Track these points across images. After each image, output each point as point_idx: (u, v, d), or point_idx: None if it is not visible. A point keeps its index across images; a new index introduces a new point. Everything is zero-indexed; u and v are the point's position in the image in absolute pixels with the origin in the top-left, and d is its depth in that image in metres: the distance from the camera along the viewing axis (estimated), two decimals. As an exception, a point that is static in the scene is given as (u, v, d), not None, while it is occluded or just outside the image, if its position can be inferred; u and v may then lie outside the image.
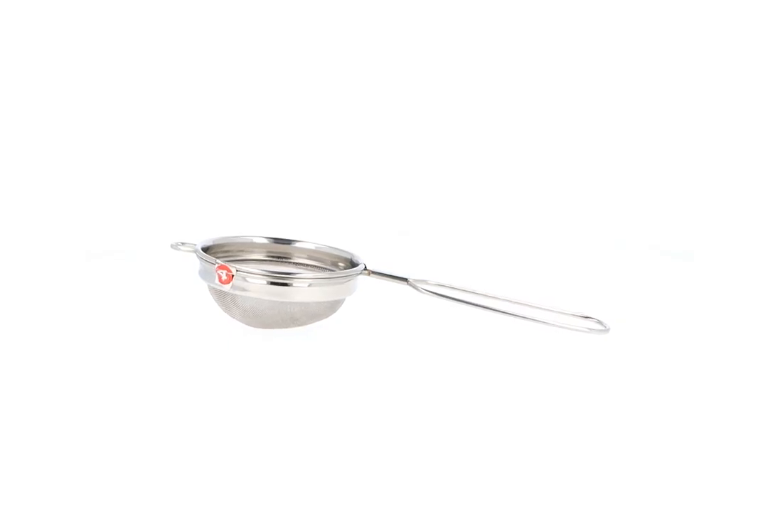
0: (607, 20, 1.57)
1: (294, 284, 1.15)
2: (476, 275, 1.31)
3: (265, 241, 1.27)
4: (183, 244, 1.21)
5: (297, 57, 1.57)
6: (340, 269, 1.23)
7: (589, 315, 1.17)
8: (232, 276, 1.14)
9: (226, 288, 1.14)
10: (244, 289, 1.14)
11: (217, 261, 1.15)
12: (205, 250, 1.19)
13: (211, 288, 1.18)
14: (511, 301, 1.18)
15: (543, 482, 0.94)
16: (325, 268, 1.25)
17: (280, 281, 1.14)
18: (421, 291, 1.18)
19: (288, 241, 1.27)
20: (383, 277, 1.19)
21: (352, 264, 1.21)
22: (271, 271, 1.17)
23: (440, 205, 1.53)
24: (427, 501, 0.92)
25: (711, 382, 1.12)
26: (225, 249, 1.24)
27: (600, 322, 1.16)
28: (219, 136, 1.56)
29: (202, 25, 1.57)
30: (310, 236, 1.30)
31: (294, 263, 1.26)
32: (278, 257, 1.27)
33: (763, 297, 1.32)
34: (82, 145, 1.53)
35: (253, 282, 1.14)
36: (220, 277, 1.14)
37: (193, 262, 1.19)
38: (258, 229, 1.31)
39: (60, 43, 1.55)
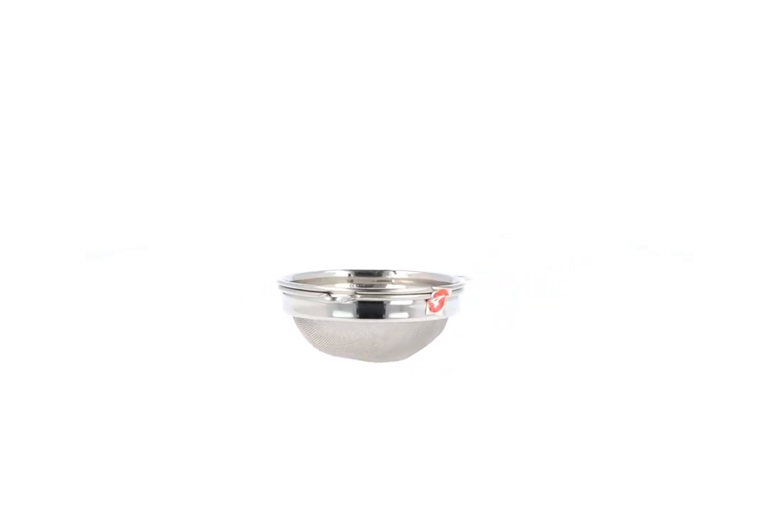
0: (607, 20, 1.57)
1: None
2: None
3: (348, 274, 1.23)
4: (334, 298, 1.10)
5: (317, 73, 1.57)
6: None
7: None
8: (445, 300, 1.09)
9: (440, 314, 1.09)
10: (454, 309, 1.11)
11: (433, 288, 1.09)
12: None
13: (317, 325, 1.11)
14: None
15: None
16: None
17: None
18: None
19: (378, 272, 1.23)
20: None
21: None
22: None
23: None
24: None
25: (711, 382, 1.12)
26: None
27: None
28: (219, 137, 1.56)
29: (201, 26, 1.57)
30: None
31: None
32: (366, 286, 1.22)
33: (764, 298, 1.32)
34: (82, 145, 1.53)
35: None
36: (432, 306, 1.09)
37: (196, 263, 1.19)
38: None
39: (59, 43, 1.54)
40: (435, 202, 1.53)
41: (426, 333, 1.11)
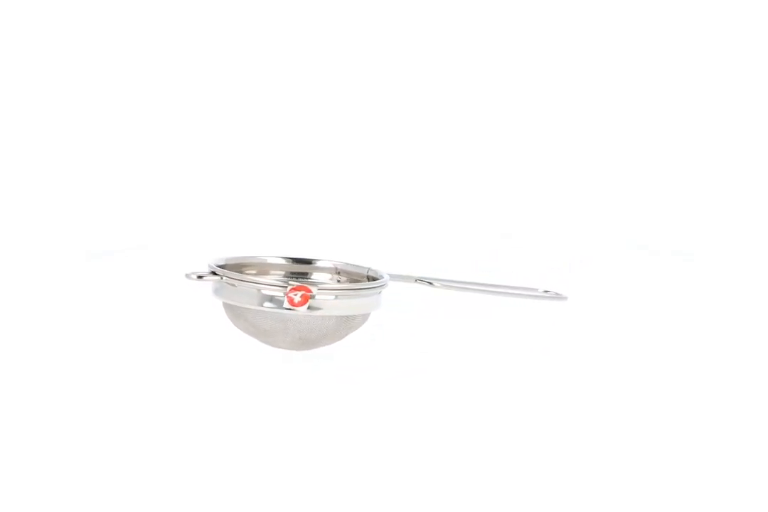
0: (606, 20, 1.57)
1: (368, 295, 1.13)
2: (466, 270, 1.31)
3: (283, 261, 1.23)
4: (200, 277, 1.12)
5: (301, 67, 1.57)
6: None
7: (547, 289, 1.21)
8: (309, 296, 1.09)
9: (301, 310, 1.10)
10: (319, 308, 1.10)
11: (290, 283, 1.10)
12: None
13: (244, 311, 1.13)
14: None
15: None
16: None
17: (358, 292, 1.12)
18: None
19: (308, 261, 1.23)
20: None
21: (372, 279, 1.19)
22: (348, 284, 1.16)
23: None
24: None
25: (711, 382, 1.12)
26: (237, 270, 1.18)
27: (557, 293, 1.21)
28: (219, 137, 1.56)
29: (201, 26, 1.57)
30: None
31: (315, 282, 1.22)
32: (297, 275, 1.23)
33: (764, 297, 1.32)
34: (82, 145, 1.53)
35: (328, 298, 1.10)
36: (291, 300, 1.09)
37: (196, 263, 1.19)
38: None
39: (60, 42, 1.54)
40: (436, 202, 1.53)
41: (316, 327, 1.11)
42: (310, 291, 1.09)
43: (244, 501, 0.91)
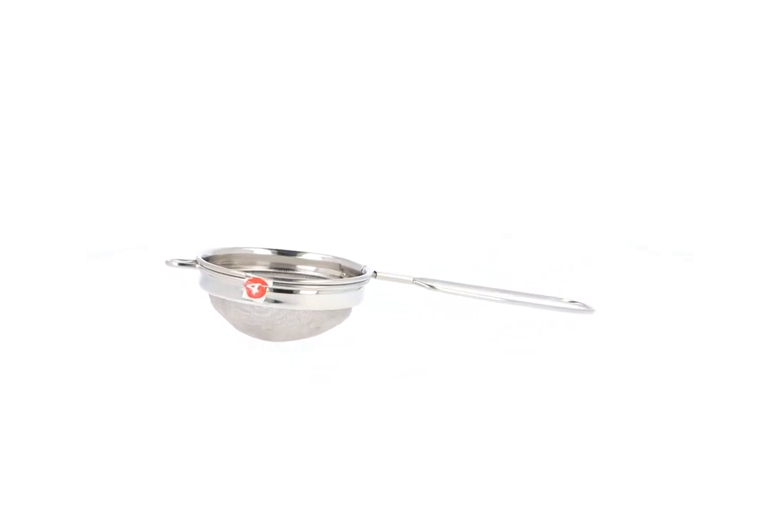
0: (606, 20, 1.57)
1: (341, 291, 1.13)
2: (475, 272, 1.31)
3: (269, 252, 1.24)
4: (183, 264, 1.15)
5: (296, 59, 1.57)
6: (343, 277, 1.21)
7: (574, 300, 1.20)
8: (266, 289, 1.10)
9: (258, 301, 1.11)
10: (278, 301, 1.11)
11: (247, 274, 1.11)
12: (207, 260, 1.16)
13: (217, 300, 1.15)
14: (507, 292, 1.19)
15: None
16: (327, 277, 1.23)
17: (322, 289, 1.12)
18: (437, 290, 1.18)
19: (292, 253, 1.24)
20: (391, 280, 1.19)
21: (357, 273, 1.19)
22: (308, 280, 1.17)
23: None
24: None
25: (711, 382, 1.12)
26: (225, 261, 1.20)
27: (585, 304, 1.20)
28: (219, 138, 1.56)
29: (202, 26, 1.57)
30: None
31: (299, 274, 1.23)
32: (282, 269, 1.24)
33: (764, 297, 1.32)
34: (82, 145, 1.53)
35: (299, 293, 1.11)
36: (249, 291, 1.11)
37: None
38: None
39: (60, 42, 1.54)
40: (436, 202, 1.53)
41: (278, 319, 1.12)
42: (266, 283, 1.10)
43: (216, 492, 0.91)
